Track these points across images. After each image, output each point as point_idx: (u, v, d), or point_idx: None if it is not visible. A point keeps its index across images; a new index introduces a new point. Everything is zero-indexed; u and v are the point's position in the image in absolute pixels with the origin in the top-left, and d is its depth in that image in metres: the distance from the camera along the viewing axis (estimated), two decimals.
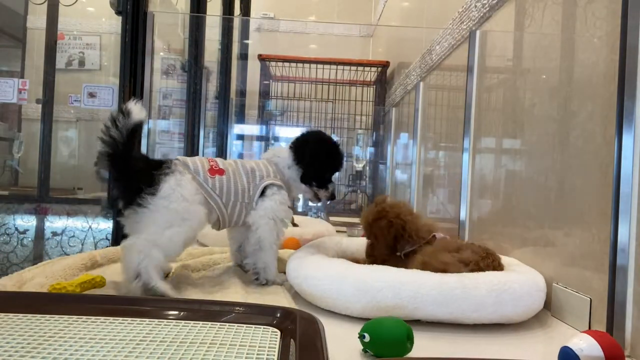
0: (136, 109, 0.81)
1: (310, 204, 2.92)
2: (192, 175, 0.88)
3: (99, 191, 1.96)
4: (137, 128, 0.82)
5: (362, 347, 0.59)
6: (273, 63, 2.84)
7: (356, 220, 1.67)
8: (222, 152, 2.61)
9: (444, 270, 0.77)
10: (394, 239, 0.92)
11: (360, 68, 2.85)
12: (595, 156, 0.74)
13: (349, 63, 2.84)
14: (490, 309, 0.71)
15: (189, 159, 0.91)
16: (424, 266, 0.80)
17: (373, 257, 0.95)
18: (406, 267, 0.87)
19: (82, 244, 1.76)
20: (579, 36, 0.81)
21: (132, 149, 0.83)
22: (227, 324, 0.59)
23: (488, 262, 0.80)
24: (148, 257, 0.79)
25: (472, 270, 0.78)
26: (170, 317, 0.60)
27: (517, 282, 0.73)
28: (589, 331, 0.55)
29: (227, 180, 0.92)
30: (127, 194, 0.82)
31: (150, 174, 0.83)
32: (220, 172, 0.92)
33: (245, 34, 3.20)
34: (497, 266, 0.81)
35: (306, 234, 1.39)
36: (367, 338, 0.57)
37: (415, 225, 0.93)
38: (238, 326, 0.58)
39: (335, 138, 2.95)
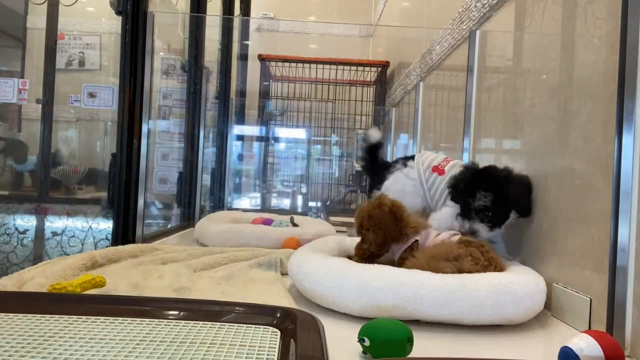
0: (374, 133, 1.19)
1: (311, 204, 2.93)
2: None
3: (99, 191, 1.96)
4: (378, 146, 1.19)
5: (361, 348, 0.59)
6: (273, 63, 2.84)
7: None
8: (222, 152, 2.61)
9: None
10: (392, 229, 0.91)
11: (360, 68, 2.85)
12: (595, 156, 0.74)
13: (349, 63, 2.84)
14: (489, 311, 0.71)
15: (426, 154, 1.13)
16: None
17: (365, 254, 0.92)
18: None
19: (82, 244, 1.76)
20: (579, 36, 0.81)
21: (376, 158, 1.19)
22: (227, 324, 0.59)
23: (490, 270, 0.79)
24: None
25: None
26: (170, 317, 0.60)
27: (518, 284, 0.73)
28: (589, 331, 0.55)
29: (441, 181, 1.06)
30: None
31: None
32: (441, 172, 1.07)
33: (245, 34, 3.20)
34: (500, 269, 0.81)
35: (306, 234, 1.39)
36: (367, 342, 0.57)
37: (409, 219, 0.93)
38: (238, 326, 0.58)
39: (335, 138, 2.97)
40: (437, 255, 0.82)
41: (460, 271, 0.78)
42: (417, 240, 0.92)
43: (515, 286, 0.72)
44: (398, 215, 0.91)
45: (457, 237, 0.89)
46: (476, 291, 0.71)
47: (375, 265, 0.79)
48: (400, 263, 0.92)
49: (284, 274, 1.03)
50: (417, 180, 1.09)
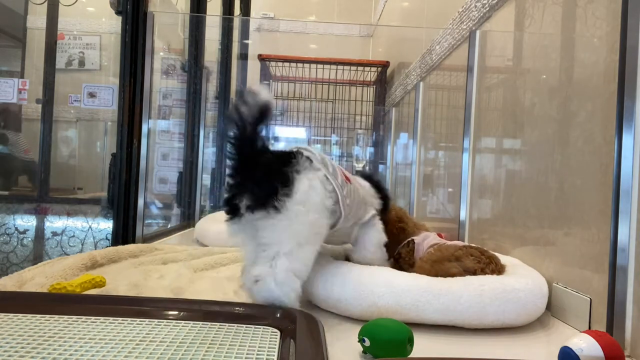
0: (264, 91, 0.65)
1: None
2: (326, 174, 0.71)
3: (99, 191, 1.96)
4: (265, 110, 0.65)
5: (362, 349, 0.59)
6: (273, 63, 2.84)
7: None
8: (222, 152, 2.61)
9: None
10: (396, 231, 0.96)
11: (360, 68, 2.85)
12: (595, 156, 0.74)
13: (349, 63, 2.84)
14: (492, 317, 0.70)
15: (318, 154, 0.73)
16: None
17: None
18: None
19: (82, 244, 1.76)
20: (579, 36, 0.81)
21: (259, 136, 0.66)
22: (227, 324, 0.59)
23: (492, 267, 0.80)
24: (293, 290, 0.64)
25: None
26: (170, 317, 0.60)
27: (523, 291, 0.72)
28: (589, 331, 0.55)
29: (353, 191, 0.79)
30: (258, 193, 0.64)
31: (281, 169, 0.66)
32: (348, 180, 0.79)
33: (245, 34, 3.20)
34: (501, 270, 0.81)
35: None
36: (367, 342, 0.57)
37: (408, 221, 0.99)
38: (238, 326, 0.58)
39: (335, 138, 2.96)
40: (439, 259, 0.82)
41: (465, 269, 0.78)
42: (413, 240, 0.94)
43: (520, 293, 0.72)
44: (403, 223, 0.98)
45: (456, 243, 0.90)
46: (479, 298, 0.70)
47: (376, 267, 0.79)
48: (397, 259, 0.96)
49: None
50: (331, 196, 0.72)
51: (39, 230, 1.83)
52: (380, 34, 3.44)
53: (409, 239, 0.96)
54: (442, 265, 0.80)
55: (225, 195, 0.65)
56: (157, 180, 2.21)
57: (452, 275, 0.77)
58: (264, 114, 0.64)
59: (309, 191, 0.67)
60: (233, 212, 0.65)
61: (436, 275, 0.77)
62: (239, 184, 0.65)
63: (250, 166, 0.65)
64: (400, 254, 0.95)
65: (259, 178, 0.65)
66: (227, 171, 0.65)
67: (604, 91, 0.72)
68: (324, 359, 0.49)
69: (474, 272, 0.78)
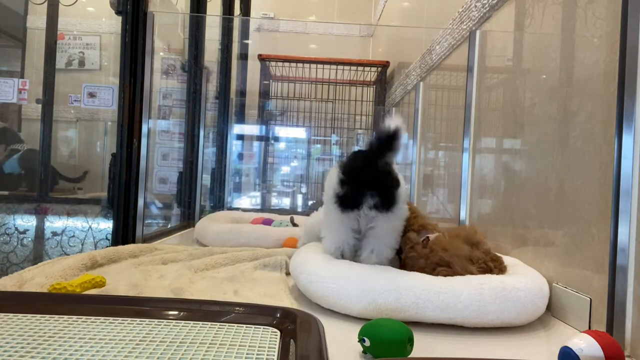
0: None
1: (310, 202, 2.92)
2: None
3: (99, 191, 1.96)
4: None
5: (362, 349, 0.59)
6: (273, 63, 2.84)
7: None
8: (222, 152, 2.61)
9: (448, 264, 0.77)
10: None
11: (360, 68, 2.85)
12: (595, 156, 0.74)
13: (349, 63, 2.83)
14: (491, 316, 0.70)
15: None
16: (431, 252, 0.80)
17: None
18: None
19: (82, 244, 1.76)
20: (579, 36, 0.81)
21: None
22: (227, 324, 0.59)
23: (496, 264, 0.80)
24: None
25: (479, 268, 0.78)
26: (170, 317, 0.60)
27: (523, 290, 0.72)
28: (589, 331, 0.55)
29: None
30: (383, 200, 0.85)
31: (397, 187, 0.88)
32: None
33: (245, 34, 3.20)
34: (503, 270, 0.81)
35: None
36: (367, 342, 0.57)
37: (418, 219, 0.96)
38: (238, 326, 0.58)
39: (335, 138, 2.96)
40: (460, 235, 0.84)
41: (471, 257, 0.79)
42: (427, 237, 0.93)
43: (520, 292, 0.72)
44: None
45: None
46: (479, 296, 0.70)
47: (377, 266, 0.79)
48: (405, 257, 0.94)
49: (289, 274, 1.03)
50: None
51: (39, 230, 1.83)
52: (380, 34, 3.44)
53: (425, 237, 0.94)
54: (456, 242, 0.81)
55: (345, 192, 0.84)
56: (157, 180, 2.21)
57: (459, 255, 0.78)
58: (392, 141, 0.82)
59: (403, 205, 0.89)
60: (352, 205, 0.84)
61: (446, 248, 0.78)
62: (367, 188, 0.83)
63: (380, 178, 0.84)
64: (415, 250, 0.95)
65: (387, 189, 0.84)
66: (348, 174, 0.84)
67: (604, 91, 0.72)
68: (324, 359, 0.49)
69: (477, 261, 0.78)
